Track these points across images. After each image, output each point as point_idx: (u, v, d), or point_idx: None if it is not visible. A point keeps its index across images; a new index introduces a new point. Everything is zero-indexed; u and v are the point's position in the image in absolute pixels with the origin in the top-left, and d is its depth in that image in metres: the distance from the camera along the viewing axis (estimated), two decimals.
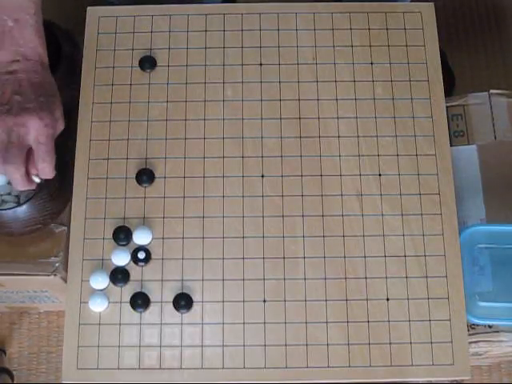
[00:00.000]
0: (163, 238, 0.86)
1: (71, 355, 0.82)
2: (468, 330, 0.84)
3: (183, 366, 0.82)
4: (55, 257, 0.93)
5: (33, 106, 0.80)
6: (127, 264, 0.85)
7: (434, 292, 0.84)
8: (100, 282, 0.84)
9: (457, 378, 0.84)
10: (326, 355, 0.82)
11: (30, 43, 0.83)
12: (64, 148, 0.94)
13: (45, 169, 0.81)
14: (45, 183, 0.88)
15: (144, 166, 0.88)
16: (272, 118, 0.91)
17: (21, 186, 0.81)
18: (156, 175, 0.88)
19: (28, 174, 0.81)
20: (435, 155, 0.89)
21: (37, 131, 0.80)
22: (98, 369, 0.82)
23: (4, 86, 0.81)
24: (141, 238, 0.85)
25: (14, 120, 0.79)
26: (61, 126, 0.83)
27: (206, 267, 0.85)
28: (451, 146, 0.97)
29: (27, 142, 0.80)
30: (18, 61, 0.82)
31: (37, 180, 0.83)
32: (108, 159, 0.89)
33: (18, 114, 0.79)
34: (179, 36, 0.95)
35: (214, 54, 0.94)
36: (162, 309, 0.83)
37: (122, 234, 0.85)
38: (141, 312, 0.83)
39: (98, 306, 0.83)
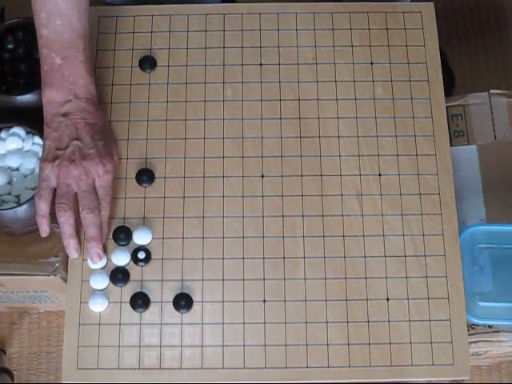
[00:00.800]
0: (163, 238, 0.86)
1: (71, 355, 0.82)
2: (468, 330, 0.84)
3: (183, 366, 0.82)
4: (55, 257, 0.93)
5: (94, 152, 0.81)
6: (127, 264, 0.85)
7: (434, 292, 0.84)
8: (100, 282, 0.84)
9: (457, 378, 0.84)
10: (325, 355, 0.82)
11: (80, 80, 0.83)
12: None
13: (104, 216, 0.83)
14: None
15: (144, 166, 0.88)
16: (272, 118, 0.91)
17: (96, 239, 0.82)
18: (156, 175, 0.88)
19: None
20: (435, 155, 0.89)
21: (99, 178, 0.82)
22: (97, 369, 0.82)
23: (60, 128, 0.82)
24: (141, 237, 0.85)
25: (79, 169, 0.80)
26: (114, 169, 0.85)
27: (206, 267, 0.85)
28: (451, 146, 0.97)
29: (95, 187, 0.82)
30: (69, 101, 0.82)
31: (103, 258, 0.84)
32: None
33: (82, 164, 0.81)
34: (179, 36, 0.95)
35: (214, 54, 0.94)
36: (161, 309, 0.83)
37: (122, 234, 0.85)
38: (141, 312, 0.83)
39: (98, 305, 0.83)
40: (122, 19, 0.96)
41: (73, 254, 0.83)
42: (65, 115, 0.82)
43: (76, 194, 0.81)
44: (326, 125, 0.91)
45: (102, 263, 0.84)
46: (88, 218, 0.81)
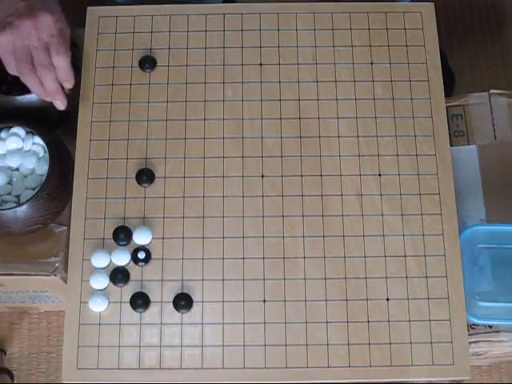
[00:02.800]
0: (163, 238, 0.86)
1: (71, 355, 0.82)
2: (468, 330, 0.84)
3: (183, 366, 0.82)
4: (55, 257, 0.93)
5: (41, 5, 0.83)
6: (127, 264, 0.85)
7: (434, 292, 0.84)
8: (100, 282, 0.84)
9: (457, 378, 0.84)
10: (325, 355, 0.82)
11: None
12: (62, 148, 0.94)
13: (59, 61, 0.83)
14: (45, 183, 0.88)
15: (144, 166, 0.88)
16: (272, 118, 0.91)
17: (55, 90, 0.83)
18: (156, 175, 0.88)
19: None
20: (435, 155, 0.89)
21: (49, 26, 0.82)
22: (97, 369, 0.82)
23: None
24: (141, 237, 0.85)
25: (29, 22, 0.81)
26: (67, 24, 0.85)
27: (206, 267, 0.85)
28: (451, 146, 0.97)
29: (47, 42, 0.83)
30: None
31: (69, 86, 0.86)
32: (108, 159, 0.89)
33: (31, 16, 0.82)
34: (179, 36, 0.95)
35: (214, 54, 0.94)
36: (161, 309, 0.83)
37: (122, 234, 0.85)
38: (141, 312, 0.83)
39: (98, 305, 0.83)
40: (121, 19, 0.95)
41: (59, 105, 0.86)
42: None
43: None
44: (326, 125, 0.91)
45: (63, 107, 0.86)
46: (44, 75, 0.83)
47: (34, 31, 0.82)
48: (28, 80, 0.83)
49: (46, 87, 0.84)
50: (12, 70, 0.84)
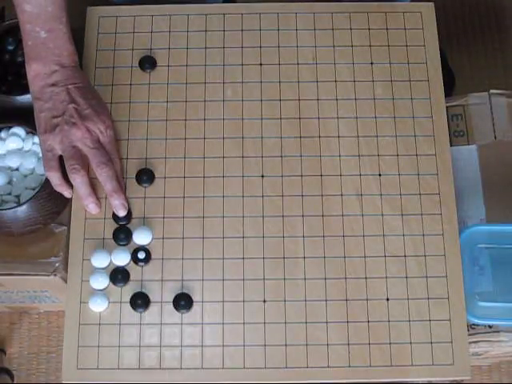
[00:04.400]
0: (163, 238, 0.86)
1: (71, 355, 0.82)
2: (468, 330, 0.84)
3: (183, 366, 0.82)
4: (55, 257, 0.93)
5: (89, 111, 0.83)
6: (127, 264, 0.85)
7: (434, 292, 0.84)
8: (100, 281, 0.84)
9: (457, 378, 0.84)
10: (325, 355, 0.82)
11: (65, 51, 0.84)
12: None
13: (118, 171, 0.84)
14: (45, 183, 0.88)
15: (144, 166, 0.88)
16: (272, 118, 0.91)
17: (116, 190, 0.84)
18: (156, 175, 0.88)
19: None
20: (435, 155, 0.89)
21: (102, 134, 0.83)
22: (97, 369, 0.82)
23: (52, 97, 0.83)
24: (141, 237, 0.85)
25: (81, 129, 0.82)
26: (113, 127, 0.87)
27: (206, 267, 0.85)
28: (451, 146, 0.97)
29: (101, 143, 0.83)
30: (56, 71, 0.83)
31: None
32: None
33: (82, 124, 0.82)
34: (179, 36, 0.95)
35: (214, 54, 0.94)
36: (161, 309, 0.83)
37: (122, 234, 0.85)
38: (141, 312, 0.83)
39: (98, 306, 0.83)
40: (122, 19, 0.96)
41: (94, 209, 0.85)
42: (54, 84, 0.83)
43: (84, 155, 0.83)
44: (326, 125, 0.91)
45: (125, 212, 0.85)
46: (104, 173, 0.83)
47: (86, 135, 0.82)
48: (77, 182, 0.83)
49: (108, 186, 0.84)
50: (51, 168, 0.84)
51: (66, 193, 0.86)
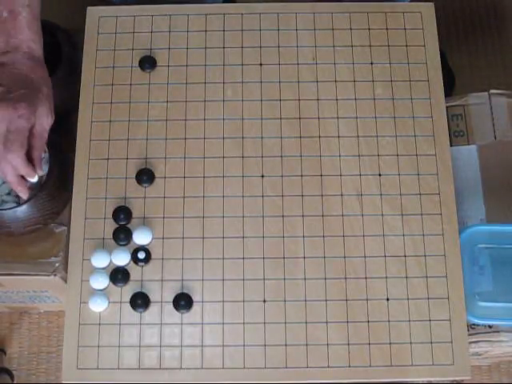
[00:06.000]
0: (163, 238, 0.86)
1: (71, 355, 0.82)
2: (468, 330, 0.84)
3: (183, 366, 0.82)
4: (55, 257, 0.93)
5: (12, 96, 0.79)
6: (127, 264, 0.85)
7: (434, 292, 0.84)
8: (100, 282, 0.84)
9: (457, 378, 0.84)
10: (325, 355, 0.82)
11: (21, 35, 0.82)
12: (61, 148, 0.94)
13: (13, 159, 0.79)
14: (45, 183, 0.88)
15: (144, 166, 0.88)
16: (272, 118, 0.91)
17: (14, 184, 0.81)
18: (156, 175, 0.88)
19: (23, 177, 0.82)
20: (435, 155, 0.89)
21: (8, 121, 0.79)
22: (98, 369, 0.82)
23: None
24: (141, 237, 0.85)
25: None
26: (45, 122, 0.82)
27: (206, 267, 0.85)
28: (451, 146, 0.97)
29: (3, 135, 0.79)
30: (8, 52, 0.82)
31: (31, 179, 0.82)
32: (108, 159, 0.89)
33: None
34: (179, 36, 0.95)
35: (214, 54, 0.94)
36: (162, 309, 0.83)
37: (122, 234, 0.85)
38: (141, 312, 0.83)
39: (98, 305, 0.83)
40: (121, 19, 0.95)
41: (21, 195, 0.83)
42: (1, 64, 0.82)
43: None
44: (326, 125, 0.91)
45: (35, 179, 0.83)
46: (1, 168, 0.80)
47: None
48: None
49: (7, 179, 0.81)
50: None
51: (21, 193, 0.83)
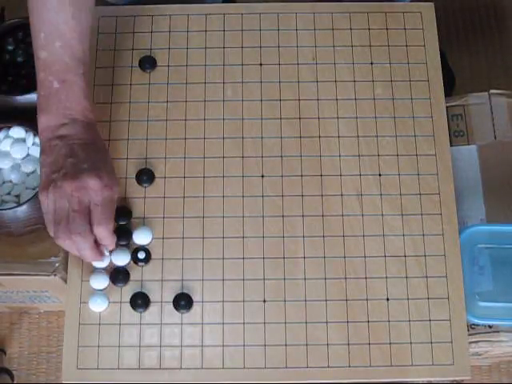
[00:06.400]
0: (163, 238, 0.86)
1: (71, 355, 0.82)
2: (468, 330, 0.84)
3: (183, 366, 0.82)
4: (55, 257, 0.93)
5: (88, 165, 0.76)
6: (127, 264, 0.85)
7: (434, 292, 0.84)
8: (100, 282, 0.84)
9: (457, 378, 0.84)
10: (326, 355, 0.82)
11: (78, 105, 0.79)
12: None
13: (101, 233, 0.77)
14: None
15: (144, 166, 0.88)
16: (272, 118, 0.91)
17: (91, 258, 0.78)
18: (156, 175, 0.88)
19: (98, 245, 0.79)
20: (435, 155, 0.89)
21: (95, 192, 0.76)
22: (98, 369, 0.82)
23: (55, 151, 0.77)
24: (141, 237, 0.85)
25: (73, 184, 0.75)
26: (117, 188, 0.79)
27: (206, 267, 0.85)
28: (451, 146, 0.97)
29: (88, 206, 0.76)
30: (65, 124, 0.78)
31: (106, 253, 0.81)
32: None
33: (75, 177, 0.75)
34: (179, 36, 0.95)
35: (214, 54, 0.94)
36: (162, 309, 0.83)
37: (122, 234, 0.85)
38: (141, 312, 0.83)
39: (98, 306, 0.83)
40: (121, 19, 0.95)
41: (99, 261, 0.82)
42: (60, 137, 0.78)
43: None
44: (326, 125, 0.91)
45: (105, 263, 0.83)
46: (76, 243, 0.76)
47: (75, 193, 0.75)
48: (64, 246, 0.77)
49: (81, 254, 0.77)
50: (50, 231, 0.77)
51: (92, 258, 0.79)
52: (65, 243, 0.76)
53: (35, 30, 0.77)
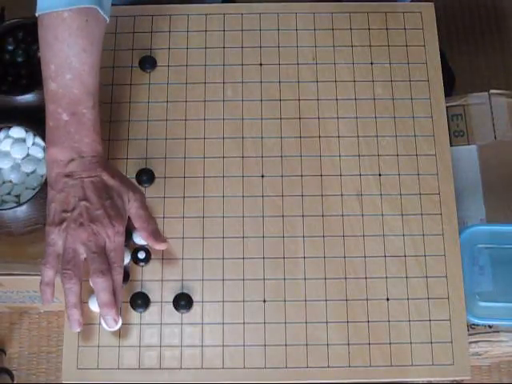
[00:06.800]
0: None
1: (71, 355, 0.82)
2: (468, 330, 0.84)
3: (183, 366, 0.82)
4: None
5: (102, 212, 0.76)
6: (127, 264, 0.85)
7: (434, 292, 0.84)
8: None
9: (457, 378, 0.84)
10: (326, 355, 0.82)
11: (86, 139, 0.77)
12: None
13: (117, 280, 0.77)
14: (45, 183, 0.88)
15: (144, 166, 0.88)
16: (272, 118, 0.91)
17: (107, 303, 0.76)
18: (156, 175, 0.88)
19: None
20: (435, 155, 0.89)
21: (109, 238, 0.76)
22: (98, 369, 0.82)
23: (65, 190, 0.77)
24: (141, 237, 0.85)
25: (87, 232, 0.75)
26: (123, 234, 0.79)
27: (206, 267, 0.85)
28: (451, 146, 0.97)
29: (105, 246, 0.76)
30: (74, 160, 0.77)
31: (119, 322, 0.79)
32: (108, 159, 0.89)
33: (89, 226, 0.75)
34: (179, 36, 0.95)
35: (214, 54, 0.94)
36: (161, 309, 0.83)
37: None
38: (141, 312, 0.83)
39: (98, 306, 0.83)
40: (122, 19, 0.95)
41: (74, 326, 0.76)
42: (69, 175, 0.77)
43: (83, 260, 0.76)
44: (326, 125, 0.91)
45: (117, 326, 0.79)
46: (99, 283, 0.75)
47: (91, 238, 0.75)
48: (69, 286, 0.75)
49: (100, 298, 0.76)
50: (48, 261, 0.76)
51: (45, 298, 0.76)
52: (69, 282, 0.75)
53: (45, 61, 0.76)
